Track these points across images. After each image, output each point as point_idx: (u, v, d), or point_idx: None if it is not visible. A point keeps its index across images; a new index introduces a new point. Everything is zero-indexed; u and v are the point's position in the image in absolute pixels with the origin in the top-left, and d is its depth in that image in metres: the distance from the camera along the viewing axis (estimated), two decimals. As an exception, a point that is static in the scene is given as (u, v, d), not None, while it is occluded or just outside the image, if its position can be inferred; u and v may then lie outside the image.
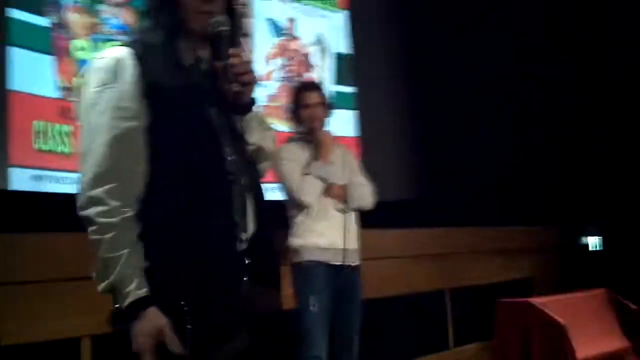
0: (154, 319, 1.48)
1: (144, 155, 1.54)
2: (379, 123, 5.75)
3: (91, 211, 1.49)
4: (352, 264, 3.29)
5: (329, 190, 3.25)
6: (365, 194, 3.41)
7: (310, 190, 3.19)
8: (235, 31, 1.67)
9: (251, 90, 1.67)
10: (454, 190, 5.85)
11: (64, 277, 2.95)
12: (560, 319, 4.78)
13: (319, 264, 3.17)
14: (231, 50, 1.61)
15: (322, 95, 3.36)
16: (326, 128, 3.35)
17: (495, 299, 5.12)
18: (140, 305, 1.48)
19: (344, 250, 3.24)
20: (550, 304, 4.93)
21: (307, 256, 3.14)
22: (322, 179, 3.23)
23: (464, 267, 5.15)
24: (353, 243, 3.30)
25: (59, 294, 2.91)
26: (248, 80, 1.63)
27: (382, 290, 4.41)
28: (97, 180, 1.50)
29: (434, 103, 6.01)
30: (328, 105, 3.39)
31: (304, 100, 3.29)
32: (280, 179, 3.22)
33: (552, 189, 6.00)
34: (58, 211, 3.23)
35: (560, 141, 6.06)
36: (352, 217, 3.34)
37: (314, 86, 3.42)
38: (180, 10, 1.62)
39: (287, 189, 3.20)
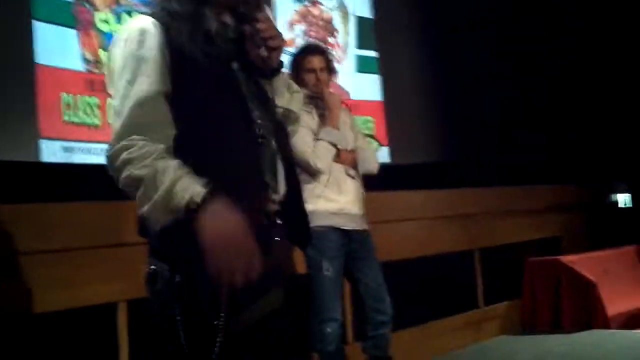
0: (230, 209, 1.42)
1: (170, 120, 1.55)
2: (402, 86, 5.72)
3: (124, 155, 1.46)
4: (363, 228, 3.29)
5: (339, 155, 3.24)
6: (372, 159, 3.42)
7: (322, 156, 3.17)
8: None
9: (279, 54, 1.67)
10: (479, 151, 5.83)
11: (96, 244, 3.00)
12: (590, 276, 4.79)
13: (330, 229, 3.16)
14: (258, 15, 1.62)
15: (327, 59, 3.31)
16: (332, 92, 3.32)
17: (524, 258, 5.14)
18: (208, 191, 1.42)
19: (355, 215, 3.25)
20: (580, 262, 4.94)
21: (319, 221, 3.08)
22: (332, 144, 3.21)
23: (491, 227, 5.14)
24: (362, 208, 3.30)
25: (91, 261, 2.96)
26: (276, 44, 1.63)
27: (409, 252, 4.44)
28: (126, 132, 1.49)
29: (456, 63, 5.96)
30: (332, 69, 3.35)
31: (308, 64, 3.24)
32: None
33: (580, 147, 5.95)
34: (88, 182, 3.30)
35: (587, 98, 5.99)
36: (361, 182, 3.34)
37: (318, 50, 3.36)
38: None
39: (298, 155, 3.05)
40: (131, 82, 1.53)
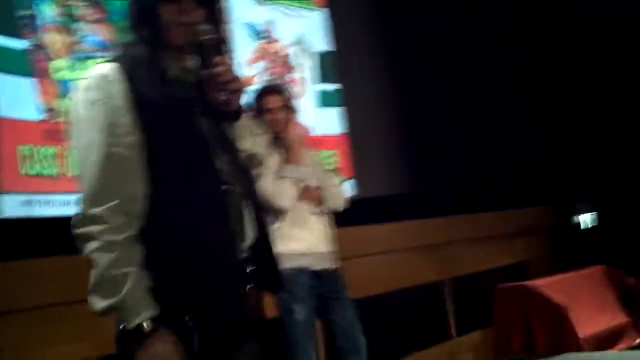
0: (170, 341, 1.48)
1: (141, 172, 1.54)
2: (365, 118, 5.73)
3: (93, 228, 1.48)
4: (332, 267, 3.26)
5: (304, 193, 3.21)
6: (338, 195, 3.40)
7: (285, 195, 3.14)
8: (218, 39, 1.67)
9: (239, 98, 1.67)
10: (442, 180, 5.85)
11: (61, 301, 2.93)
12: (559, 300, 4.81)
13: (299, 270, 3.12)
14: (216, 59, 1.62)
15: (285, 98, 3.31)
16: (293, 130, 3.29)
17: (493, 286, 5.15)
18: (152, 325, 1.47)
19: (323, 254, 3.22)
20: (548, 286, 4.97)
21: (287, 263, 2.95)
22: (296, 182, 3.19)
23: (458, 256, 5.16)
24: (331, 246, 3.27)
25: (56, 319, 2.89)
26: (235, 87, 1.63)
27: (380, 287, 4.42)
28: (97, 198, 1.50)
29: (418, 94, 6.00)
30: (291, 107, 3.34)
31: (265, 105, 3.23)
32: None
33: (540, 169, 6.02)
34: (51, 235, 3.23)
35: (545, 119, 6.09)
36: (327, 219, 3.32)
37: (275, 89, 3.37)
38: (160, 23, 1.63)
39: (261, 195, 2.91)
40: (100, 133, 1.52)
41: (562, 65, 6.02)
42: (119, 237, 1.48)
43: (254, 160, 1.78)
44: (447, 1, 6.07)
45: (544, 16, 6.01)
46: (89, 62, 3.78)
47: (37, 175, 3.52)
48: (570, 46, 5.94)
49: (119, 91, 1.54)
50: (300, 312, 3.09)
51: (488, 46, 6.01)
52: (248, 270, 1.66)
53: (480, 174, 5.92)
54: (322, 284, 3.20)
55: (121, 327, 1.50)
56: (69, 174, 3.54)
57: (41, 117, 3.62)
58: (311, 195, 3.25)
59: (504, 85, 6.02)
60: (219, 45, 1.66)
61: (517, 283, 5.11)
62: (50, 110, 3.66)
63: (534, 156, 6.04)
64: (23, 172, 3.48)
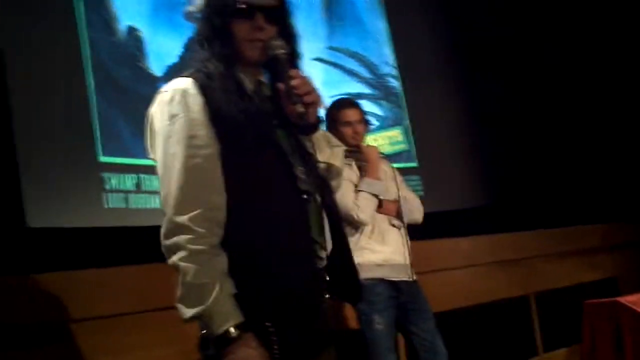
0: (255, 346, 1.48)
1: (222, 182, 1.56)
2: (437, 133, 5.61)
3: (180, 238, 1.50)
4: (411, 279, 3.22)
5: (382, 206, 3.21)
6: (416, 208, 3.39)
7: (364, 208, 3.14)
8: (292, 53, 1.69)
9: (316, 109, 1.67)
10: (525, 193, 5.71)
11: (145, 308, 2.99)
12: (652, 317, 4.60)
13: (378, 281, 3.11)
14: (291, 72, 1.63)
15: (362, 111, 3.33)
16: (370, 144, 3.31)
17: (581, 301, 4.97)
18: (238, 331, 1.48)
19: (401, 265, 3.20)
20: (640, 302, 4.76)
21: (365, 274, 2.98)
22: (374, 196, 3.19)
23: (544, 270, 5.02)
24: (408, 258, 3.24)
25: (141, 325, 2.95)
26: (312, 100, 1.63)
27: (462, 301, 4.34)
28: (181, 207, 1.52)
29: (492, 102, 5.84)
30: (367, 121, 3.37)
31: (344, 118, 3.25)
32: None
33: (627, 184, 5.80)
34: (132, 244, 3.31)
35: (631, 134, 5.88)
36: (405, 232, 3.30)
37: (353, 103, 3.39)
38: (233, 40, 1.66)
39: (341, 208, 2.93)
40: (180, 145, 1.55)
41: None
42: (204, 246, 1.50)
43: (332, 172, 1.79)
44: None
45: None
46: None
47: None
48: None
49: (197, 105, 1.57)
50: (380, 322, 3.07)
51: (565, 48, 5.84)
52: (327, 280, 1.65)
53: (562, 188, 5.76)
54: (401, 295, 3.17)
55: (207, 333, 1.51)
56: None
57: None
58: (389, 207, 3.25)
59: (588, 93, 5.84)
60: (293, 59, 1.67)
61: (607, 299, 4.91)
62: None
63: (621, 170, 5.83)
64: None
